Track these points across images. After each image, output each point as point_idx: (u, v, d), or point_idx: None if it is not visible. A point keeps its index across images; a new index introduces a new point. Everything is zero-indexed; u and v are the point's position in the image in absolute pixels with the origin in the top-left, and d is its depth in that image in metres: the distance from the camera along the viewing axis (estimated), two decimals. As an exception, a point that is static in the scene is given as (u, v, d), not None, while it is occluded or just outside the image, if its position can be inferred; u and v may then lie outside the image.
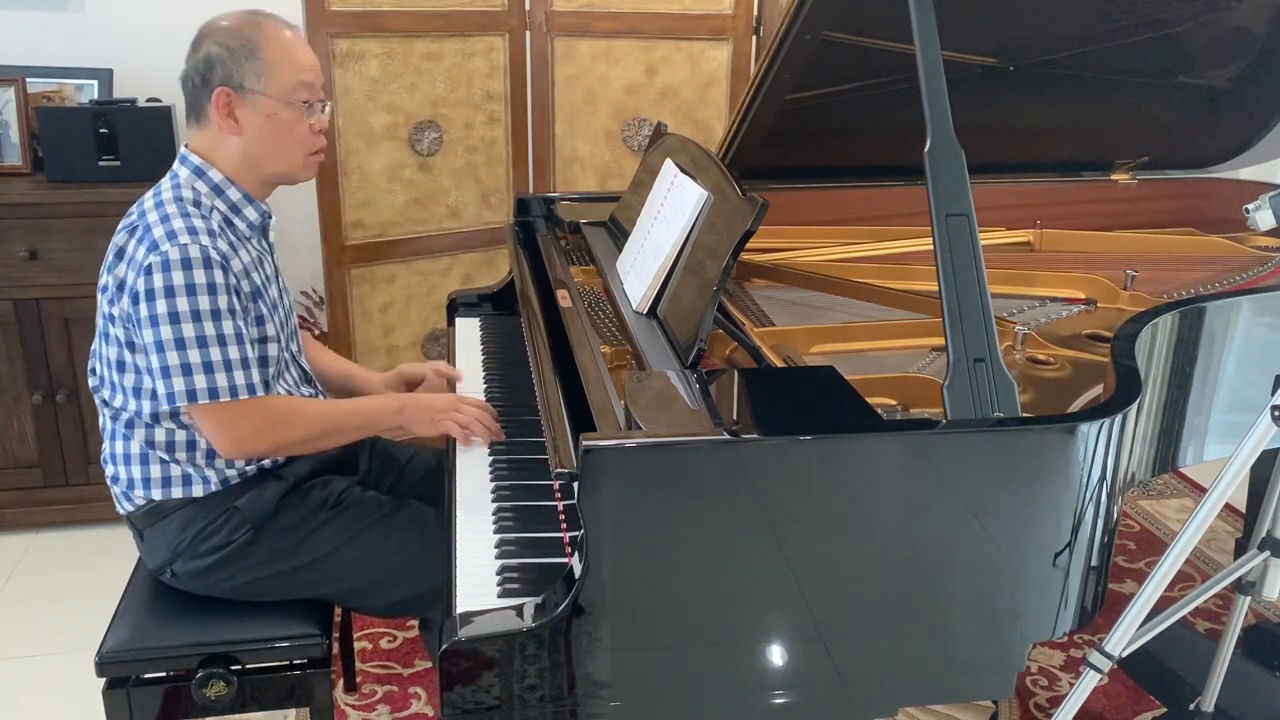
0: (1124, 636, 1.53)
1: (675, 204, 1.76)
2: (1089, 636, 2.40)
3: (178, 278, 1.54)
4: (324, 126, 1.72)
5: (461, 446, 1.74)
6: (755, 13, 3.07)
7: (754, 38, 3.10)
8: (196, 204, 1.62)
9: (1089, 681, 1.55)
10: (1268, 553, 1.69)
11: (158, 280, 1.54)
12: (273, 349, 1.70)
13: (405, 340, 3.07)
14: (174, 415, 1.65)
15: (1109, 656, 1.53)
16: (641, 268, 1.78)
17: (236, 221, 1.67)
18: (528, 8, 2.96)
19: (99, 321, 1.67)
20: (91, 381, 1.71)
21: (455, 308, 2.39)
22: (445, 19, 2.86)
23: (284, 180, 1.72)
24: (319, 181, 2.80)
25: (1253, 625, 2.46)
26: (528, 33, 2.98)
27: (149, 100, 2.85)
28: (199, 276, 1.55)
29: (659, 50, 3.06)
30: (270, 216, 1.74)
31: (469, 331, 2.28)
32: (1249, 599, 1.82)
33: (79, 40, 3.00)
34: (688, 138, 1.97)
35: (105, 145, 2.71)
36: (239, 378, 1.59)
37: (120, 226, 1.64)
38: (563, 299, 1.84)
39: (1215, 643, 1.91)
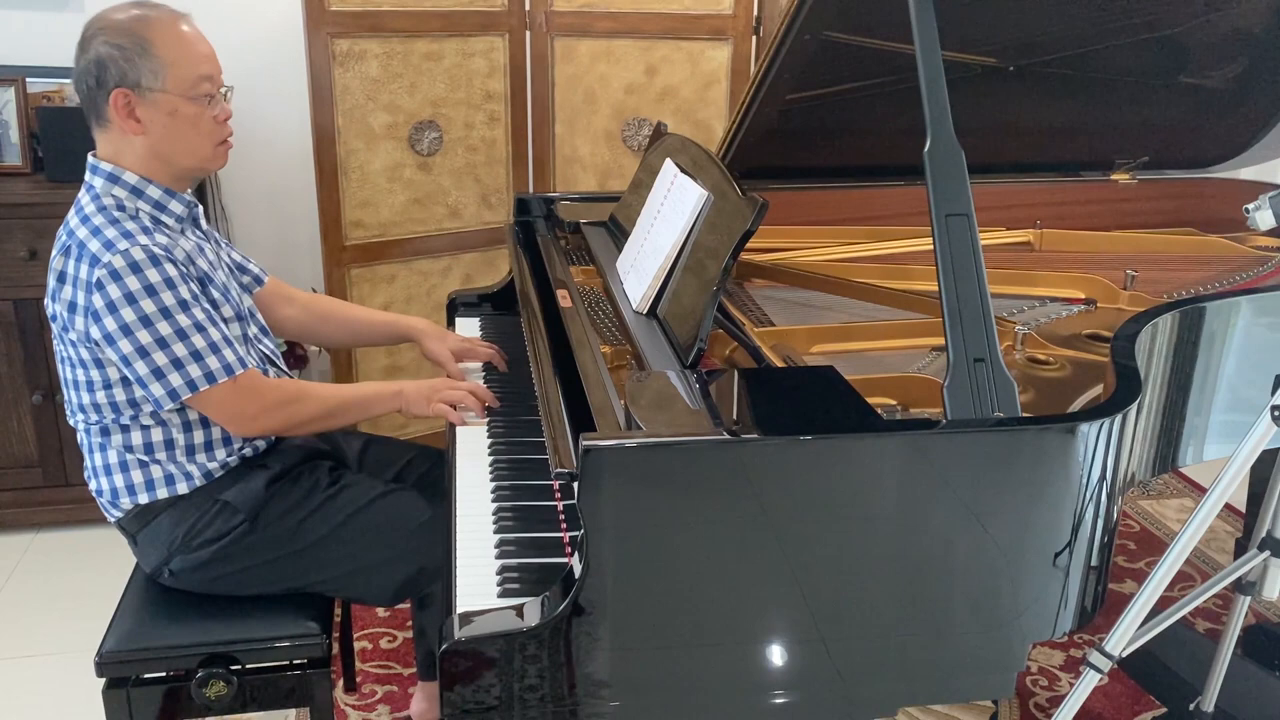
0: (1124, 636, 1.53)
1: (675, 204, 1.76)
2: (1089, 636, 2.40)
3: (132, 283, 1.53)
4: (229, 114, 1.68)
5: (461, 442, 1.74)
6: (755, 13, 3.06)
7: (754, 38, 3.10)
8: (120, 208, 1.60)
9: (1089, 681, 1.55)
10: (1268, 553, 1.69)
11: (113, 291, 1.52)
12: (235, 329, 1.70)
13: (405, 340, 3.07)
14: (152, 413, 1.64)
15: (1109, 656, 1.53)
16: (641, 268, 1.78)
17: (163, 218, 1.65)
18: (528, 8, 2.96)
19: (57, 349, 1.66)
20: (67, 407, 1.71)
21: (455, 307, 2.38)
22: (445, 19, 2.86)
23: (196, 173, 1.70)
24: (319, 181, 2.80)
25: (1253, 625, 2.46)
26: (528, 33, 2.98)
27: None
28: (152, 276, 1.54)
29: (659, 50, 3.06)
30: (197, 206, 1.72)
31: (469, 331, 2.27)
32: (1249, 599, 1.82)
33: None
34: (688, 138, 1.97)
35: (105, 145, 2.71)
36: (228, 356, 1.60)
37: (54, 251, 1.61)
38: (563, 299, 1.84)
39: (1215, 643, 1.91)
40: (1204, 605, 1.99)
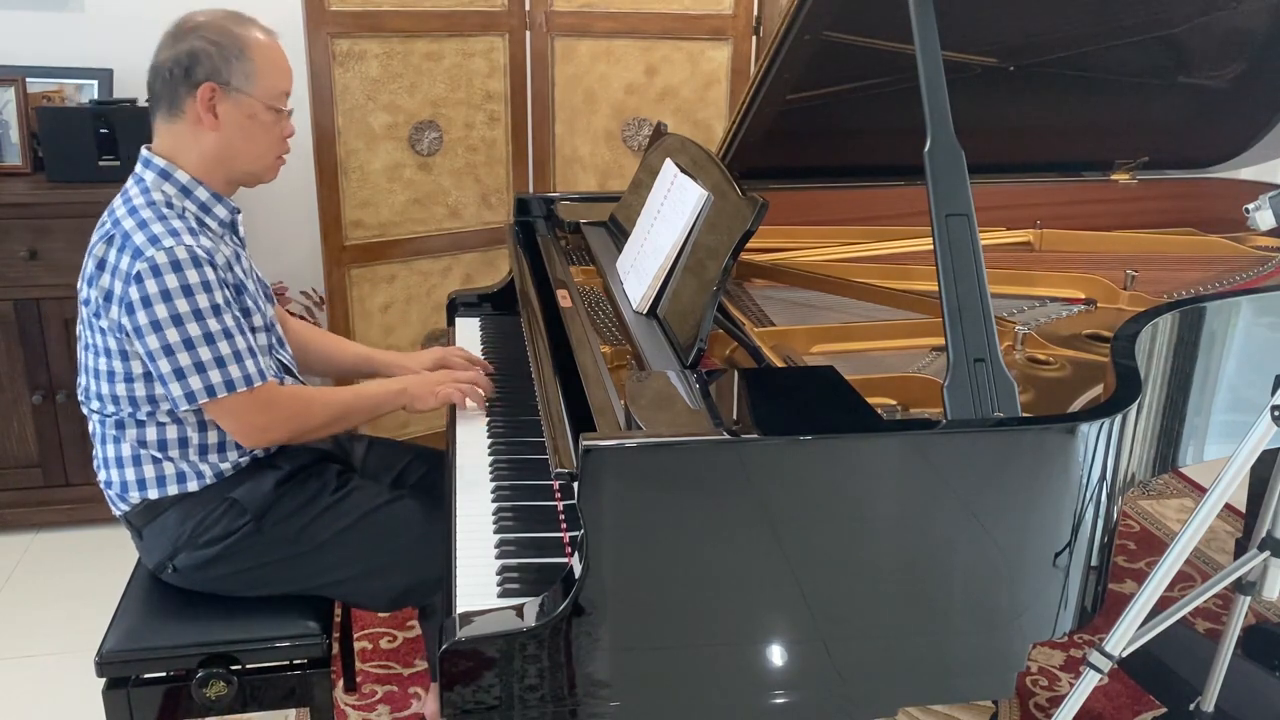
0: (1124, 636, 1.53)
1: (675, 204, 1.76)
2: (1089, 636, 2.40)
3: (170, 281, 1.54)
4: (292, 132, 1.75)
5: (461, 441, 1.74)
6: (755, 13, 3.06)
7: (754, 38, 3.10)
8: (169, 205, 1.62)
9: (1089, 681, 1.55)
10: (1268, 553, 1.69)
11: (151, 286, 1.54)
12: (261, 339, 1.72)
13: (405, 340, 3.07)
14: (169, 412, 1.65)
15: (1109, 656, 1.53)
16: (641, 268, 1.78)
17: (208, 220, 1.67)
18: (528, 8, 2.96)
19: (82, 334, 1.67)
20: (79, 394, 1.71)
21: (455, 307, 2.39)
22: (445, 19, 2.86)
23: (250, 180, 1.73)
24: (319, 181, 2.80)
25: (1253, 625, 2.46)
26: (528, 33, 2.98)
27: (149, 100, 2.85)
28: (191, 276, 1.55)
29: (659, 50, 3.06)
30: (238, 213, 1.74)
31: (469, 331, 2.28)
32: (1249, 599, 1.82)
33: (79, 40, 3.00)
34: (688, 138, 1.97)
35: (105, 145, 2.71)
36: (249, 366, 1.61)
37: (96, 238, 1.63)
38: (563, 299, 1.84)
39: (1215, 643, 1.91)
40: (1204, 605, 1.99)
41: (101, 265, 1.59)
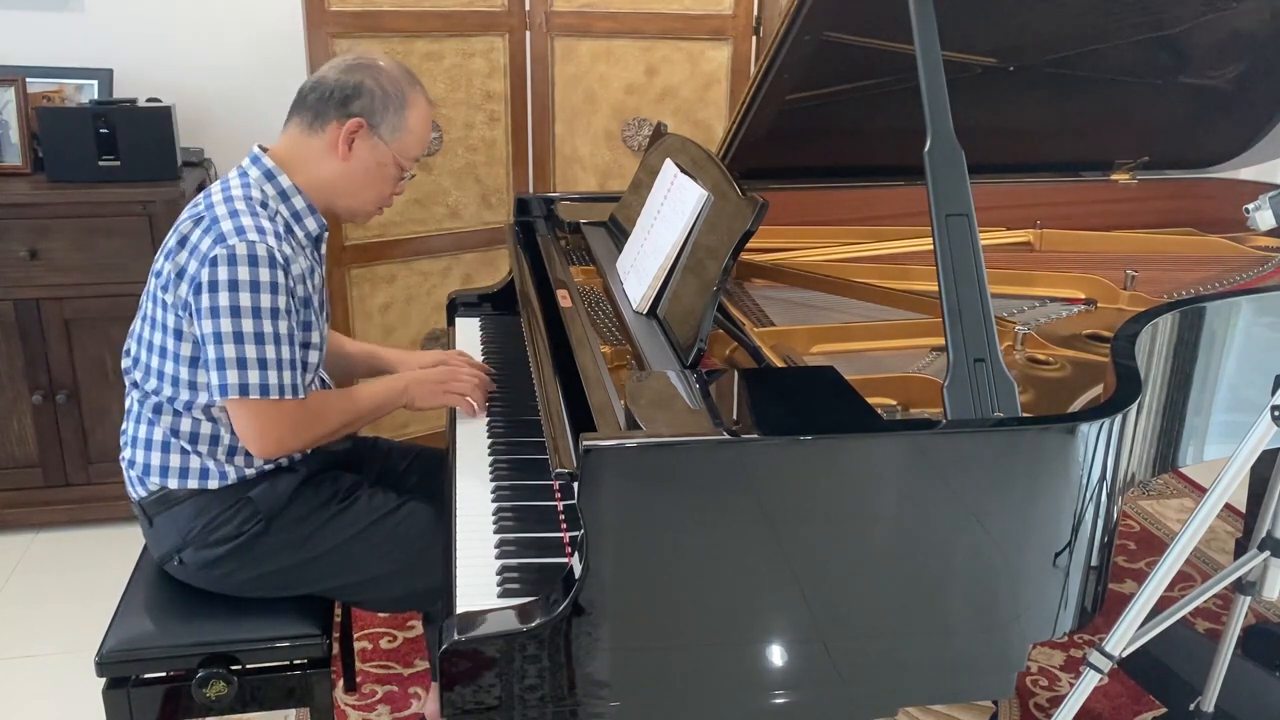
0: (1124, 636, 1.53)
1: (675, 204, 1.77)
2: (1089, 636, 2.40)
3: (242, 273, 1.56)
4: (402, 191, 1.82)
5: (461, 442, 1.75)
6: (755, 13, 3.07)
7: (754, 38, 3.10)
8: (264, 205, 1.65)
9: (1089, 681, 1.55)
10: (1268, 553, 1.69)
11: (222, 273, 1.56)
12: (313, 356, 1.73)
13: (405, 340, 3.07)
14: (206, 408, 1.66)
15: (1109, 656, 1.53)
16: (641, 268, 1.78)
17: (296, 229, 1.70)
18: (528, 8, 2.96)
19: (144, 304, 1.69)
20: (124, 362, 1.73)
21: (455, 308, 2.39)
22: (445, 19, 2.86)
23: (345, 217, 1.80)
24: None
25: (1253, 625, 2.46)
26: (528, 33, 2.98)
27: (149, 100, 2.85)
28: (263, 274, 1.57)
29: (659, 50, 3.06)
30: (326, 229, 1.77)
31: (469, 331, 2.28)
32: (1249, 599, 1.82)
33: (79, 40, 3.00)
34: (688, 138, 1.97)
35: (105, 145, 2.71)
36: (287, 377, 1.62)
37: (185, 215, 1.66)
38: (563, 299, 1.84)
39: (1215, 643, 1.91)
40: (1204, 605, 1.99)
41: (183, 242, 1.62)
